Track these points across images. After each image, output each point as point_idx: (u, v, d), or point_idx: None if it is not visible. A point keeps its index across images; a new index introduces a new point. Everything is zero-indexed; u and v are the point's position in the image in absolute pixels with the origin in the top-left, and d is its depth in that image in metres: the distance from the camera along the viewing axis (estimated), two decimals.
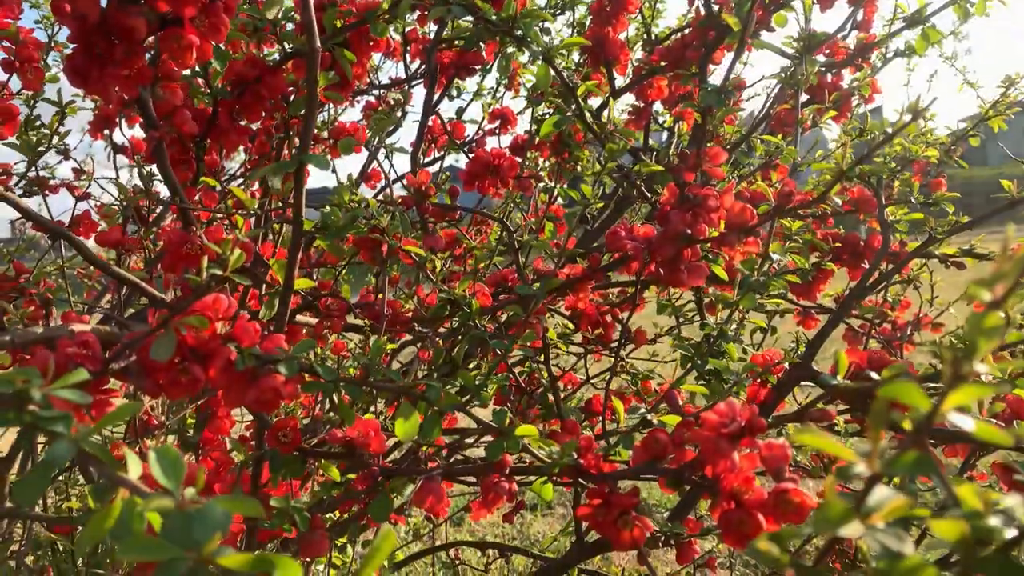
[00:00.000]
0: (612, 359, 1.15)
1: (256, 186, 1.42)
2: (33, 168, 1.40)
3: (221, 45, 0.98)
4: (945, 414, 0.24)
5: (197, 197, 1.04)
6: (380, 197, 1.23)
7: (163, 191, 1.17)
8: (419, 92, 1.71)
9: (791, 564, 0.27)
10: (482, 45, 1.40)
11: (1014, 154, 1.48)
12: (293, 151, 1.07)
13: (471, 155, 1.33)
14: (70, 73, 0.72)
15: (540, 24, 0.99)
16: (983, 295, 0.24)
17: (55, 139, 1.40)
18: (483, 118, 1.74)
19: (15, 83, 1.12)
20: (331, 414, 1.07)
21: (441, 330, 1.10)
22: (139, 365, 0.65)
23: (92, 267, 1.44)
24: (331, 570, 1.42)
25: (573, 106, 1.08)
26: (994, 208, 1.06)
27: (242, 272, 0.65)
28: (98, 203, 1.56)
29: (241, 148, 1.20)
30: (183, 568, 0.32)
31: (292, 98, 1.02)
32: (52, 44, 1.51)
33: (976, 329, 0.23)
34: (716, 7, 1.32)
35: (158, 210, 1.28)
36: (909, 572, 0.25)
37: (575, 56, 1.56)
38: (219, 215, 1.10)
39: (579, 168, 1.19)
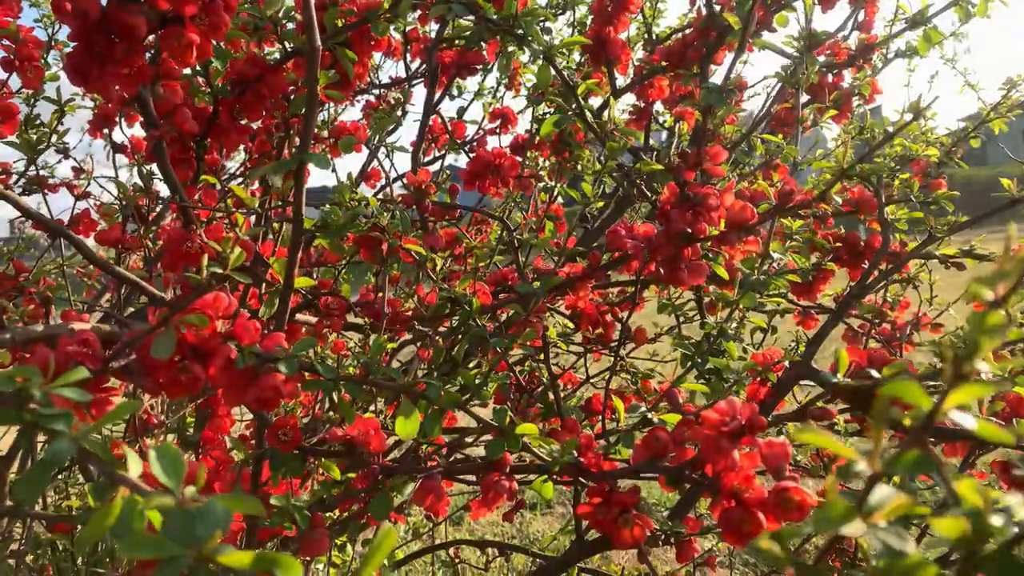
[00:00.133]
0: (612, 358, 1.15)
1: (256, 185, 1.42)
2: (33, 167, 1.40)
3: (222, 44, 0.99)
4: (946, 412, 0.24)
5: (197, 196, 1.04)
6: (380, 196, 1.23)
7: (163, 190, 1.18)
8: (419, 91, 1.71)
9: (791, 563, 0.27)
10: (483, 44, 1.40)
11: (1014, 155, 1.48)
12: (293, 150, 1.07)
13: (472, 155, 1.33)
14: (70, 71, 0.72)
15: (541, 23, 0.99)
16: (985, 294, 0.24)
17: (54, 138, 1.40)
18: (484, 117, 1.74)
19: (15, 81, 1.12)
20: (331, 413, 1.07)
21: (441, 329, 1.10)
22: (139, 363, 0.65)
23: (92, 266, 1.44)
24: (331, 569, 1.42)
25: (574, 105, 1.08)
26: (994, 207, 1.06)
27: (242, 270, 0.65)
28: (97, 202, 1.55)
29: (241, 147, 1.20)
30: (184, 566, 0.32)
31: (292, 97, 1.02)
32: (52, 43, 1.51)
33: (978, 328, 0.23)
34: (718, 7, 1.32)
35: (158, 209, 1.28)
36: (910, 570, 0.25)
37: (576, 56, 1.57)
38: (219, 214, 1.10)
39: (579, 167, 1.19)
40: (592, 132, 1.10)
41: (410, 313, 1.10)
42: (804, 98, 1.48)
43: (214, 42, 0.77)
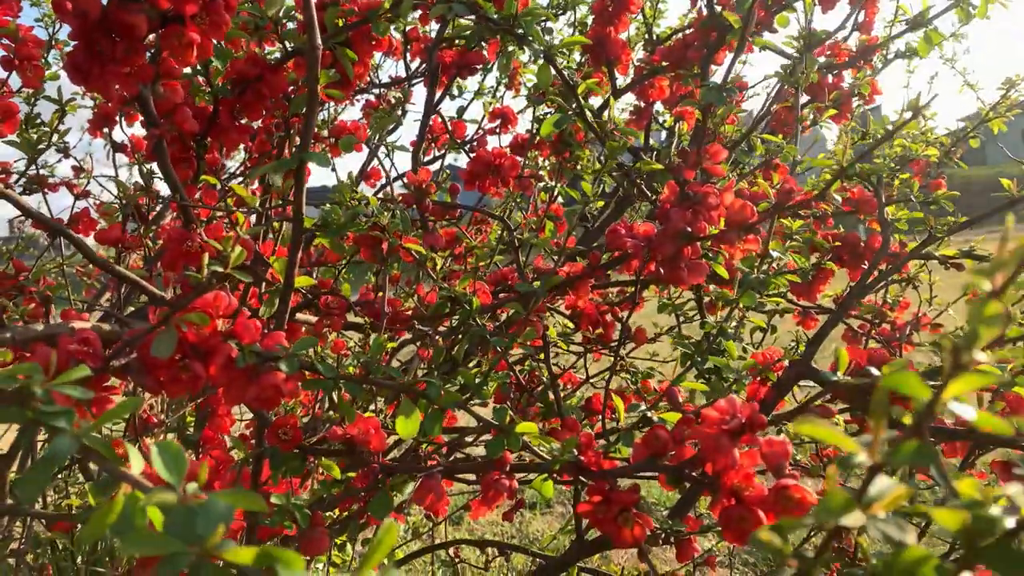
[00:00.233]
0: (612, 358, 1.15)
1: (256, 184, 1.42)
2: (33, 166, 1.40)
3: (222, 43, 0.99)
4: (946, 403, 0.24)
5: (198, 195, 1.04)
6: (380, 195, 1.23)
7: (163, 189, 1.18)
8: (420, 91, 1.71)
9: (793, 555, 0.27)
10: (483, 44, 1.40)
11: (1013, 155, 1.48)
12: (293, 149, 1.07)
13: (472, 154, 1.33)
14: (71, 70, 0.72)
15: (541, 23, 0.99)
16: (982, 284, 0.24)
17: (55, 137, 1.40)
18: (484, 117, 1.74)
19: (15, 81, 1.12)
20: (331, 412, 1.07)
21: (441, 328, 1.10)
22: (140, 362, 0.66)
23: (92, 265, 1.44)
24: (331, 568, 1.42)
25: (574, 105, 1.08)
26: (994, 207, 1.06)
27: (243, 269, 0.65)
28: (97, 201, 1.56)
29: (241, 146, 1.20)
30: (186, 562, 0.32)
31: (293, 96, 1.02)
32: (52, 42, 1.51)
33: (977, 318, 0.23)
34: (718, 7, 1.32)
35: (158, 208, 1.28)
36: (912, 566, 0.25)
37: (576, 55, 1.57)
38: (220, 213, 1.10)
39: (579, 167, 1.19)
40: (592, 132, 1.10)
41: (410, 312, 1.10)
42: (804, 98, 1.48)
43: (215, 41, 0.77)
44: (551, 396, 1.15)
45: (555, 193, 1.26)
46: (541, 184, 1.31)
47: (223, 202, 1.05)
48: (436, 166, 1.72)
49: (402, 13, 0.97)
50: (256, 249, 1.01)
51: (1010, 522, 0.24)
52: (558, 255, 1.10)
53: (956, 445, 1.00)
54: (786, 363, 0.98)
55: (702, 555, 1.48)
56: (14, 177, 1.40)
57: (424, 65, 1.58)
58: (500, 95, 1.89)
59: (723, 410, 0.64)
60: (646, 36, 1.61)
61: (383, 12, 0.98)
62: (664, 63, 1.44)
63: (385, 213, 0.99)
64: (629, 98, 1.55)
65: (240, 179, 1.47)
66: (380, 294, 1.06)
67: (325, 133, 1.35)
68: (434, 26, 1.41)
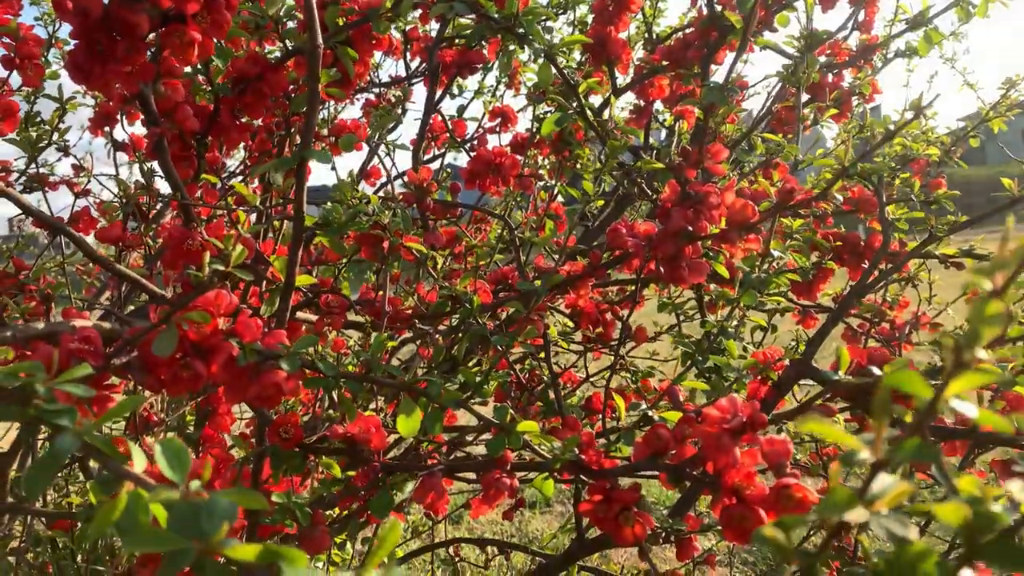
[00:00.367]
0: (612, 357, 1.15)
1: (257, 183, 1.42)
2: (33, 164, 1.40)
3: (223, 42, 0.99)
4: (948, 401, 0.25)
5: (198, 194, 1.04)
6: (381, 194, 1.23)
7: (164, 187, 1.18)
8: (420, 90, 1.71)
9: (795, 552, 0.27)
10: (484, 43, 1.40)
11: (1013, 155, 1.48)
12: (294, 148, 1.07)
13: (472, 153, 1.33)
14: (72, 69, 0.72)
15: (542, 22, 1.00)
16: (983, 284, 0.24)
17: (55, 135, 1.40)
18: (484, 116, 1.74)
19: (15, 79, 1.12)
20: (331, 411, 1.07)
21: (442, 327, 1.10)
22: (141, 361, 0.66)
23: (92, 263, 1.45)
24: (331, 567, 1.42)
25: (574, 104, 1.08)
26: (994, 206, 1.06)
27: (244, 268, 0.65)
28: (97, 200, 1.56)
29: (242, 145, 1.20)
30: (190, 559, 0.32)
31: (293, 95, 1.02)
32: (52, 41, 1.51)
33: (978, 317, 0.23)
34: (719, 7, 1.32)
35: (158, 207, 1.28)
36: (914, 560, 0.25)
37: (576, 55, 1.57)
38: (220, 211, 1.10)
39: (579, 166, 1.19)
40: (593, 131, 1.10)
41: (411, 311, 1.10)
42: (804, 97, 1.48)
43: (215, 40, 0.77)
44: (551, 395, 1.16)
45: (555, 192, 1.26)
46: (541, 183, 1.31)
47: (224, 200, 1.05)
48: (436, 165, 1.72)
49: (402, 12, 0.97)
50: (257, 248, 1.01)
51: (1010, 518, 0.24)
52: (558, 254, 1.10)
53: (956, 444, 1.00)
54: (786, 362, 0.98)
55: (702, 554, 1.48)
56: (14, 175, 1.40)
57: (424, 64, 1.58)
58: (500, 94, 1.89)
59: (724, 409, 0.64)
60: (646, 35, 1.61)
61: (384, 11, 0.98)
62: (664, 62, 1.44)
63: (386, 212, 0.99)
64: (629, 97, 1.56)
65: (241, 178, 1.47)
66: (381, 293, 1.06)
67: (325, 132, 1.35)
68: (434, 25, 1.41)
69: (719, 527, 0.71)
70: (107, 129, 1.35)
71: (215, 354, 0.66)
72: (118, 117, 1.30)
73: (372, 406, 1.01)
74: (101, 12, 0.69)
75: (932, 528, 1.50)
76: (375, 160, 1.63)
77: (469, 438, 1.33)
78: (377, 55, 1.76)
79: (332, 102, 1.38)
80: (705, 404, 0.79)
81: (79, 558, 1.38)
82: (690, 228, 0.85)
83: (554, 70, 1.00)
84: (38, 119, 1.37)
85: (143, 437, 1.25)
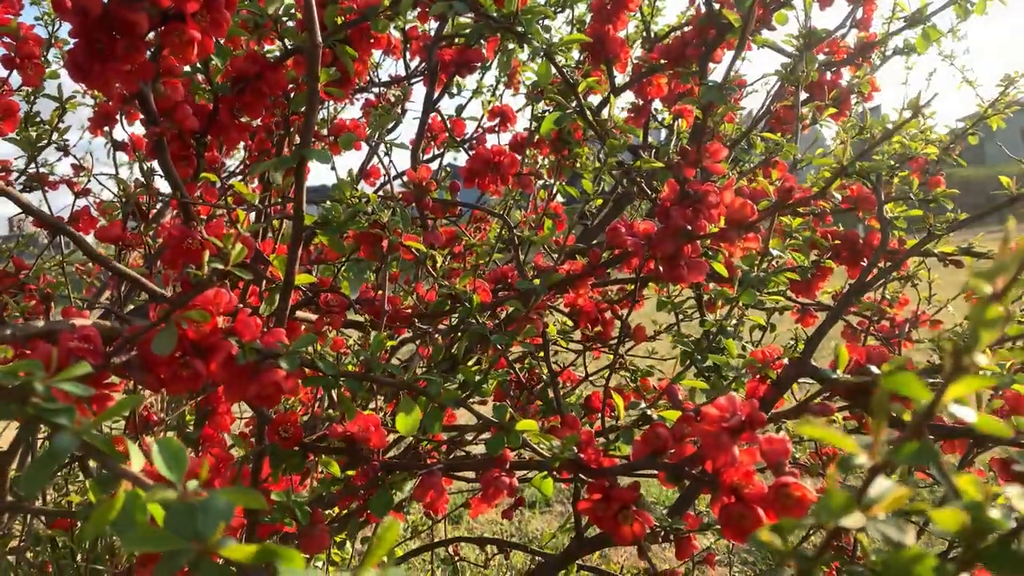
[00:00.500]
0: (611, 356, 1.15)
1: (256, 182, 1.42)
2: (33, 164, 1.40)
3: (222, 41, 0.99)
4: (946, 404, 0.25)
5: (198, 193, 1.04)
6: (380, 193, 1.23)
7: (164, 187, 1.18)
8: (419, 90, 1.71)
9: (793, 554, 0.27)
10: (482, 42, 1.40)
11: (1012, 153, 1.48)
12: (293, 147, 1.07)
13: (471, 152, 1.33)
14: (71, 68, 0.72)
15: (541, 20, 0.99)
16: (983, 287, 0.24)
17: (55, 135, 1.40)
18: (483, 115, 1.74)
19: (15, 79, 1.12)
20: (330, 410, 1.07)
21: (441, 326, 1.10)
22: (140, 359, 0.66)
23: (91, 263, 1.44)
24: (330, 567, 1.42)
25: (573, 103, 1.08)
26: (993, 205, 1.06)
27: (243, 267, 0.65)
28: (97, 199, 1.56)
29: (241, 145, 1.20)
30: (187, 559, 0.32)
31: (293, 95, 1.02)
32: (52, 40, 1.51)
33: (978, 320, 0.23)
34: (716, 5, 1.32)
35: (158, 206, 1.28)
36: (909, 564, 0.25)
37: (575, 54, 1.57)
38: (220, 210, 1.10)
39: (578, 165, 1.19)
40: (592, 130, 1.10)
41: (410, 310, 1.10)
42: (803, 96, 1.48)
43: (215, 39, 0.77)
44: (551, 394, 1.16)
45: (554, 191, 1.26)
46: (540, 182, 1.31)
47: (223, 199, 1.05)
48: (435, 164, 1.72)
49: (401, 11, 0.97)
50: (256, 247, 1.01)
51: (1009, 523, 0.24)
52: (558, 253, 1.10)
53: (955, 443, 1.00)
54: (785, 361, 0.98)
55: (701, 553, 1.48)
56: (14, 175, 1.40)
57: (423, 63, 1.58)
58: (499, 93, 1.89)
59: (723, 408, 0.64)
60: (644, 34, 1.61)
61: (382, 9, 0.98)
62: (663, 61, 1.44)
63: (385, 211, 0.99)
64: (628, 96, 1.56)
65: (240, 177, 1.47)
66: (380, 292, 1.06)
67: (325, 131, 1.35)
68: (434, 24, 1.41)
69: (718, 526, 0.71)
70: (107, 129, 1.35)
71: (214, 353, 0.66)
72: (118, 117, 1.30)
73: (371, 405, 1.01)
74: (100, 11, 0.69)
75: (932, 528, 1.50)
76: (375, 160, 1.63)
77: (468, 437, 1.33)
78: (377, 54, 1.76)
79: (332, 102, 1.38)
80: (704, 403, 0.79)
81: (79, 557, 1.39)
82: (689, 227, 0.85)
83: (553, 69, 1.00)
84: (38, 119, 1.37)
85: (143, 437, 1.25)
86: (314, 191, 1.49)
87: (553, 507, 2.92)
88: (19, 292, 1.11)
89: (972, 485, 0.26)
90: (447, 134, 1.69)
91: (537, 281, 1.00)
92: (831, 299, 1.42)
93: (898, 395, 0.26)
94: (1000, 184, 1.07)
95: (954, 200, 1.18)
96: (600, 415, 1.05)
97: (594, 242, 1.50)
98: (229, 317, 0.67)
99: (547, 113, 1.14)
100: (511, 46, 1.04)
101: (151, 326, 0.62)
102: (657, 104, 1.61)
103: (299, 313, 1.14)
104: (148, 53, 0.77)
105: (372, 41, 1.01)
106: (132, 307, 1.27)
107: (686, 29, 1.48)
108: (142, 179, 1.22)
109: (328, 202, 0.98)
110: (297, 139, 1.06)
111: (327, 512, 1.00)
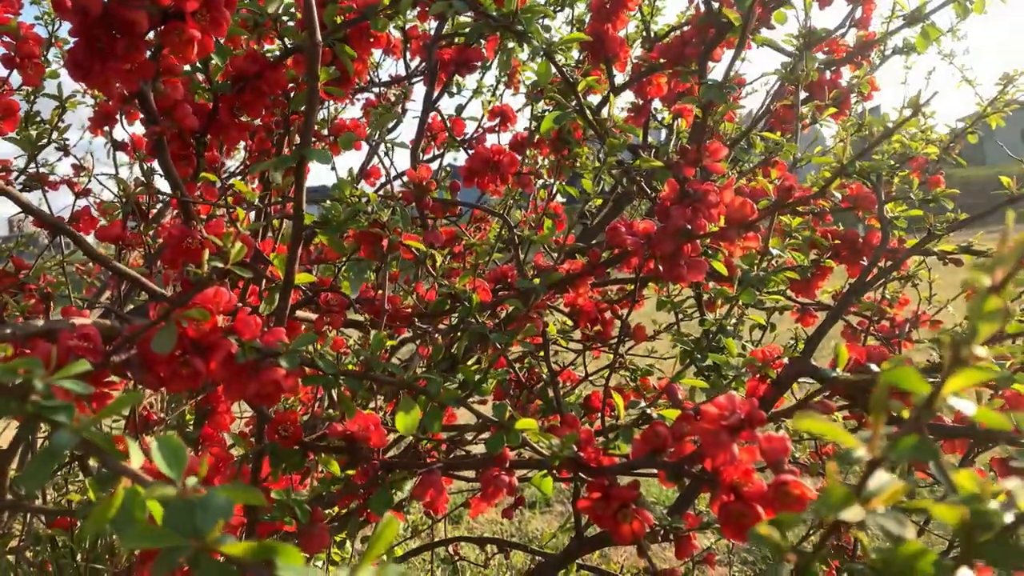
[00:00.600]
0: (611, 355, 1.15)
1: (256, 182, 1.42)
2: (33, 164, 1.40)
3: (222, 40, 0.99)
4: (945, 398, 0.25)
5: (198, 192, 1.04)
6: (381, 193, 1.23)
7: (164, 186, 1.18)
8: (419, 89, 1.71)
9: (792, 550, 0.27)
10: (482, 41, 1.40)
11: (1012, 153, 1.48)
12: (293, 147, 1.07)
13: (471, 152, 1.33)
14: (71, 67, 0.72)
15: (541, 20, 0.99)
16: (982, 280, 0.24)
17: (55, 135, 1.40)
18: (483, 115, 1.74)
19: (15, 79, 1.13)
20: (330, 410, 1.07)
21: (441, 326, 1.10)
22: (140, 358, 0.66)
23: (91, 263, 1.44)
24: (330, 566, 1.42)
25: (573, 102, 1.08)
26: (993, 204, 1.06)
27: (243, 266, 0.65)
28: (97, 199, 1.56)
29: (241, 144, 1.20)
30: (185, 556, 0.32)
31: (292, 94, 1.02)
32: (52, 40, 1.51)
33: (976, 313, 0.23)
34: (716, 4, 1.32)
35: (158, 206, 1.28)
36: (910, 558, 0.25)
37: (575, 53, 1.57)
38: (220, 209, 1.10)
39: (578, 164, 1.19)
40: (592, 129, 1.10)
41: (410, 310, 1.10)
42: (803, 95, 1.48)
43: (215, 38, 0.77)
44: (550, 393, 1.16)
45: (554, 190, 1.26)
46: (540, 182, 1.31)
47: (223, 199, 1.05)
48: (435, 164, 1.72)
49: (401, 10, 0.97)
50: (256, 246, 1.01)
51: (1008, 517, 0.24)
52: (558, 252, 1.10)
53: (955, 442, 1.00)
54: (785, 360, 0.98)
55: (701, 552, 1.48)
56: (14, 175, 1.40)
57: (423, 63, 1.58)
58: (499, 93, 1.89)
59: (722, 406, 0.64)
60: (644, 33, 1.61)
61: (382, 8, 0.98)
62: (662, 60, 1.44)
63: (385, 210, 0.99)
64: (627, 95, 1.56)
65: (240, 176, 1.47)
66: (380, 291, 1.06)
67: (325, 131, 1.35)
68: (433, 24, 1.41)
69: (718, 525, 0.71)
70: (107, 128, 1.35)
71: (214, 351, 0.66)
72: (118, 116, 1.30)
73: (371, 404, 1.01)
74: (101, 10, 0.69)
75: (931, 526, 1.50)
76: (375, 159, 1.63)
77: (468, 436, 1.33)
78: (377, 54, 1.76)
79: (331, 101, 1.38)
80: (704, 402, 0.79)
81: (79, 556, 1.39)
82: (689, 226, 0.85)
83: (553, 68, 1.00)
84: (38, 118, 1.37)
85: (143, 435, 1.25)
86: (314, 191, 1.49)
87: (553, 507, 2.92)
88: (19, 292, 1.11)
89: (970, 480, 0.26)
90: (447, 134, 1.69)
91: (537, 280, 1.00)
92: (831, 299, 1.42)
93: (897, 390, 0.26)
94: (1000, 184, 1.07)
95: (954, 200, 1.18)
96: (600, 414, 1.05)
97: (594, 242, 1.50)
98: (229, 316, 0.67)
99: (547, 112, 1.14)
100: (511, 45, 1.04)
101: (151, 325, 0.62)
102: (657, 103, 1.61)
103: (299, 312, 1.14)
104: (148, 52, 0.77)
105: (372, 40, 1.01)
106: (132, 306, 1.27)
107: (686, 28, 1.48)
108: (142, 179, 1.22)
109: (328, 202, 0.98)
110: (297, 139, 1.06)
111: (327, 511, 1.00)
